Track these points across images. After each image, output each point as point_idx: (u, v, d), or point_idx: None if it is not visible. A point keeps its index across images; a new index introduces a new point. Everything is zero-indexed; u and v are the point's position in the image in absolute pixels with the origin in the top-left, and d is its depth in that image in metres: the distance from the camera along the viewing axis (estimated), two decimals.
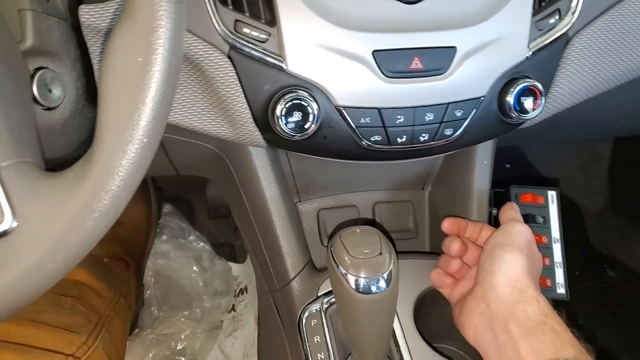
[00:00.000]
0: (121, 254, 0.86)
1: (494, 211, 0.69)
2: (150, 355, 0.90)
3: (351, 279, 0.37)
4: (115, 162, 0.25)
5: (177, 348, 0.93)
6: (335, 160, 0.50)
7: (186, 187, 1.12)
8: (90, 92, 0.42)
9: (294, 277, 0.52)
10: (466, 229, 0.51)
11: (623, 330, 0.98)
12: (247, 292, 1.02)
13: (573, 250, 1.09)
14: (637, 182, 1.05)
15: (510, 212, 0.49)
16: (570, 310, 1.01)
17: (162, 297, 0.96)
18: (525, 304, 0.39)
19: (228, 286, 1.01)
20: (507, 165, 1.11)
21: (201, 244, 1.02)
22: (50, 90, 0.37)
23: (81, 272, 0.71)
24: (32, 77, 0.35)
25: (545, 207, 0.63)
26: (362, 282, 0.37)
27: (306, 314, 0.50)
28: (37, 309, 0.56)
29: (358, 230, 0.40)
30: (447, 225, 0.52)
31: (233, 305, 1.01)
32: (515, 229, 0.45)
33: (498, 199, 0.69)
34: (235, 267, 1.04)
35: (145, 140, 0.25)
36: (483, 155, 0.55)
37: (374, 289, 0.37)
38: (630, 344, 0.96)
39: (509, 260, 0.42)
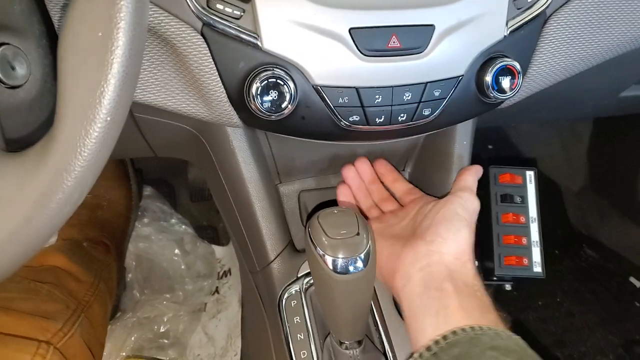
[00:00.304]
0: (101, 237, 0.85)
1: None
2: (133, 338, 0.90)
3: (329, 260, 0.37)
4: (77, 142, 0.24)
5: (160, 331, 0.93)
6: (315, 141, 0.49)
7: (168, 170, 1.11)
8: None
9: (274, 259, 0.52)
10: (392, 181, 0.56)
11: (600, 307, 1.01)
12: (230, 274, 1.02)
13: (553, 229, 1.11)
14: (617, 162, 1.06)
15: (470, 178, 0.50)
16: (550, 288, 1.03)
17: (143, 280, 0.96)
18: (464, 274, 0.42)
19: (211, 269, 1.01)
20: (490, 146, 1.12)
21: (183, 226, 1.02)
22: (13, 68, 0.35)
23: (59, 257, 0.70)
24: None
25: (524, 186, 0.64)
26: (339, 262, 0.37)
27: (286, 295, 0.50)
28: (10, 296, 0.55)
29: (335, 211, 0.40)
30: (379, 164, 0.57)
31: (217, 287, 1.01)
32: (474, 204, 0.47)
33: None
34: (218, 250, 1.04)
35: (109, 119, 0.25)
36: (463, 136, 0.55)
37: (351, 269, 0.37)
38: (606, 320, 0.99)
39: (464, 235, 0.44)
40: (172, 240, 0.99)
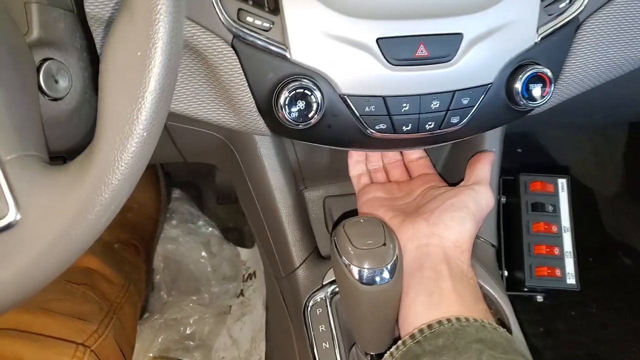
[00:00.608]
0: (131, 239, 0.87)
1: (503, 199, 0.69)
2: (160, 339, 0.92)
3: (354, 270, 0.37)
4: (115, 156, 0.26)
5: (186, 332, 0.94)
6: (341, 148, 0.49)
7: (196, 173, 1.13)
8: (97, 82, 0.42)
9: (300, 265, 0.52)
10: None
11: (635, 319, 0.97)
12: (255, 277, 1.03)
13: (586, 236, 1.08)
14: None
15: (486, 168, 0.50)
16: (582, 297, 1.00)
17: (171, 282, 0.98)
18: (461, 262, 0.43)
19: (236, 271, 1.02)
20: (519, 150, 1.10)
21: (210, 229, 1.03)
22: (56, 81, 0.37)
23: (92, 258, 0.72)
24: (39, 68, 0.35)
25: (555, 195, 0.62)
26: (365, 273, 0.37)
27: (311, 303, 0.50)
28: (49, 297, 0.57)
29: (362, 220, 0.40)
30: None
31: (241, 290, 1.02)
32: (488, 200, 0.47)
33: (507, 186, 0.69)
34: (243, 252, 1.05)
35: (145, 134, 0.26)
36: (491, 143, 0.55)
37: (377, 279, 0.37)
38: None
39: (468, 227, 0.44)
40: (199, 242, 1.01)
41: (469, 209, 0.45)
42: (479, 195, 0.47)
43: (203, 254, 1.01)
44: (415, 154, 0.57)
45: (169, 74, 0.26)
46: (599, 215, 1.10)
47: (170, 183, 1.06)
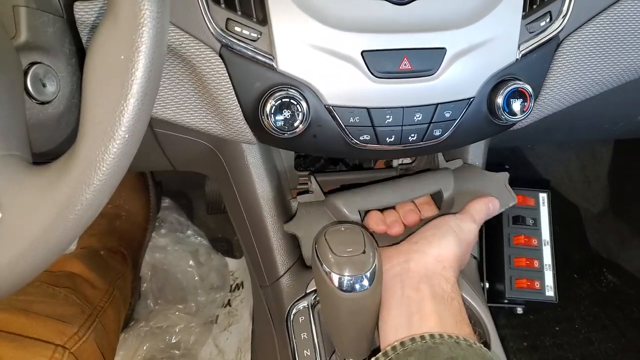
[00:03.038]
0: (118, 247, 0.87)
1: None
2: (145, 347, 0.91)
3: (334, 277, 0.37)
4: (97, 157, 0.26)
5: (172, 341, 0.94)
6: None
7: (186, 183, 1.13)
8: None
9: (284, 274, 0.53)
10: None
11: (620, 335, 0.97)
12: (243, 287, 1.03)
13: (571, 252, 1.09)
14: (637, 184, 1.04)
15: (476, 206, 0.50)
16: (567, 313, 1.00)
17: (158, 290, 0.97)
18: (443, 279, 0.42)
19: (224, 281, 1.02)
20: (507, 166, 1.11)
21: (199, 238, 1.03)
22: (44, 85, 0.38)
23: (76, 263, 0.72)
24: (26, 72, 0.36)
25: (536, 209, 0.64)
26: (345, 280, 0.37)
27: (294, 311, 0.50)
28: (30, 299, 0.57)
29: (342, 228, 0.40)
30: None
31: (229, 300, 1.02)
32: (469, 227, 0.47)
33: None
34: (231, 262, 1.05)
35: (127, 136, 0.26)
36: (475, 156, 0.56)
37: (357, 287, 0.37)
38: (626, 348, 0.96)
39: (450, 243, 0.44)
40: (187, 252, 1.00)
41: (450, 226, 0.46)
42: (461, 221, 0.47)
43: (191, 263, 1.01)
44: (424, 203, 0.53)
45: (152, 77, 0.26)
46: (585, 231, 1.11)
47: (160, 192, 1.06)
